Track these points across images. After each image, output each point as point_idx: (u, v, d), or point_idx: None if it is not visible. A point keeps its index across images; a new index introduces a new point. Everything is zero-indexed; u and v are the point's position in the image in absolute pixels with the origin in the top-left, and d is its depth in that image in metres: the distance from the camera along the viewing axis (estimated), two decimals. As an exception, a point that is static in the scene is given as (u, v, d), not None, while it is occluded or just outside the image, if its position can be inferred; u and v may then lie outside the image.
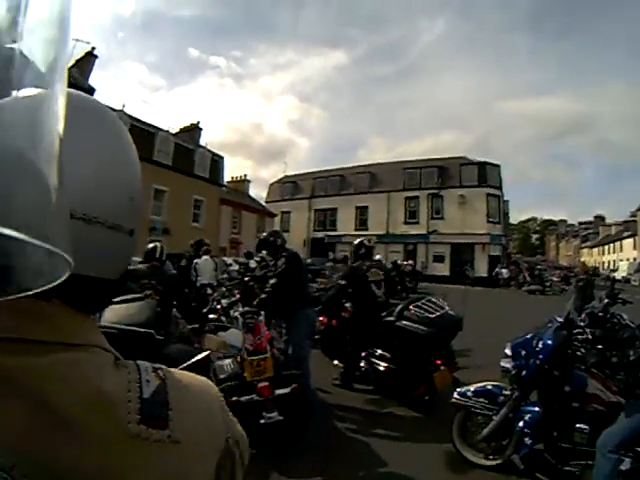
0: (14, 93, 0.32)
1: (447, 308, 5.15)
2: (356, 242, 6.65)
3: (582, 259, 72.58)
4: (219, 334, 4.91)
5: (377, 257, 8.81)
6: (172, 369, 0.52)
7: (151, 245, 5.08)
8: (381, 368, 5.29)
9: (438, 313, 5.01)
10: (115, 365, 0.46)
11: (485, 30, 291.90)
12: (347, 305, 6.16)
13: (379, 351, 5.38)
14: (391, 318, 5.26)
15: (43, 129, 0.34)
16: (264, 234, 5.28)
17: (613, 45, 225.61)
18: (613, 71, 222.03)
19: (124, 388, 0.45)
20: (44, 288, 0.36)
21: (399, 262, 20.55)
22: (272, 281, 4.69)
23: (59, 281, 0.36)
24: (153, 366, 0.50)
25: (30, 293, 0.35)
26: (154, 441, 0.44)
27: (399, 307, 5.35)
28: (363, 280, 5.84)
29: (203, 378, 0.56)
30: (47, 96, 0.34)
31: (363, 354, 5.55)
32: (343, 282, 5.84)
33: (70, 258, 0.34)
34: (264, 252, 5.55)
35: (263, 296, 4.72)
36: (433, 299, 5.36)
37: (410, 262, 24.95)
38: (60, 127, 0.35)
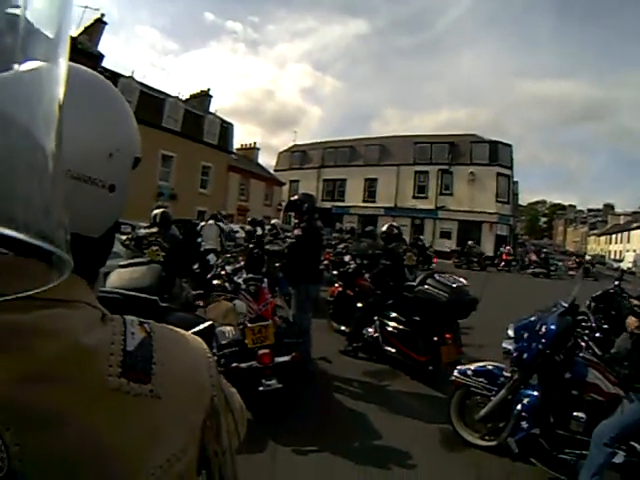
0: (16, 66, 0.32)
1: (467, 284, 5.18)
2: (386, 226, 6.69)
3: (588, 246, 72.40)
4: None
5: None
6: (161, 324, 0.51)
7: (155, 212, 5.09)
8: (390, 329, 5.41)
9: (459, 284, 5.05)
10: (102, 320, 0.46)
11: (511, 8, 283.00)
12: (367, 277, 6.35)
13: (394, 314, 5.49)
14: (413, 283, 5.38)
15: (45, 106, 0.34)
16: (295, 196, 5.20)
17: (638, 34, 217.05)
18: (637, 60, 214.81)
19: (108, 341, 0.44)
20: (43, 288, 0.37)
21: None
22: (286, 244, 4.74)
23: (59, 281, 0.37)
24: (140, 320, 0.49)
25: (30, 293, 0.37)
26: (135, 395, 0.43)
27: (422, 275, 5.47)
28: (399, 261, 6.07)
29: (191, 334, 0.56)
30: (49, 70, 0.35)
31: (375, 318, 5.64)
32: (388, 262, 5.99)
33: (70, 259, 0.35)
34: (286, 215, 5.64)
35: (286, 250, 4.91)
36: (454, 275, 5.45)
37: (421, 237, 24.33)
38: (60, 98, 0.36)
